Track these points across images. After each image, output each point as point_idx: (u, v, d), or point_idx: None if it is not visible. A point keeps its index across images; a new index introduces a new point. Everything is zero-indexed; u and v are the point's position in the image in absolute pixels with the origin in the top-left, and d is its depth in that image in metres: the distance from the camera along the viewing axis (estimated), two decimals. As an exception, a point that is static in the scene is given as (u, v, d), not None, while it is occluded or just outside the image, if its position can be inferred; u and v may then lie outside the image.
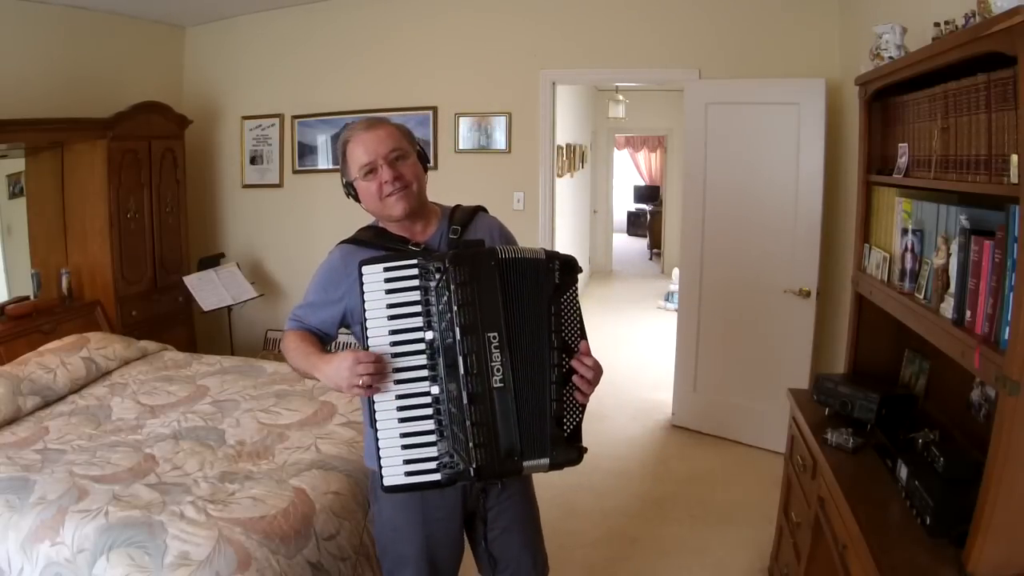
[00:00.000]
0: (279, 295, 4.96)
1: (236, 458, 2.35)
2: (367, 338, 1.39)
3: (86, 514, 1.96)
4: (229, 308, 4.44)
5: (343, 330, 1.65)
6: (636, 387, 4.80)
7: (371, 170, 1.51)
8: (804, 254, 3.53)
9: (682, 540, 2.90)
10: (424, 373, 1.37)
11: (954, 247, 1.57)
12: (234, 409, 2.78)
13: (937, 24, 1.75)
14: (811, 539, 2.05)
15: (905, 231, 1.89)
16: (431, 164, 1.63)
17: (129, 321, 4.00)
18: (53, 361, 3.05)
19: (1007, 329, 1.31)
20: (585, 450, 1.43)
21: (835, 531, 1.80)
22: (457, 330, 1.35)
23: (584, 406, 1.43)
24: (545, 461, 1.39)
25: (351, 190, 1.58)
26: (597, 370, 1.43)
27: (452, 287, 1.35)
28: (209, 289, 4.37)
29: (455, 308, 1.35)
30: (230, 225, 5.06)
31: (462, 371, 1.35)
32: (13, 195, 3.71)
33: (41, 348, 3.22)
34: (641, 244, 11.58)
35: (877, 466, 1.86)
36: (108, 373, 3.23)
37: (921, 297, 1.79)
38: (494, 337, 1.36)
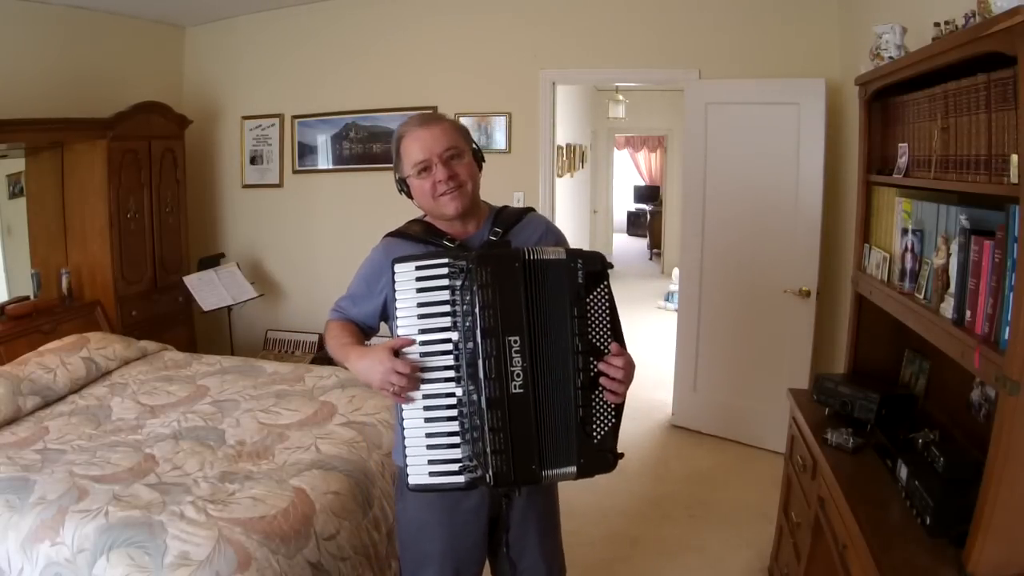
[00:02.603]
0: (279, 295, 4.96)
1: (236, 458, 2.35)
2: (397, 335, 1.39)
3: (86, 514, 1.95)
4: (229, 308, 4.44)
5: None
6: (636, 387, 4.67)
7: (425, 168, 1.50)
8: (804, 254, 3.53)
9: (682, 540, 2.90)
10: (450, 374, 1.36)
11: (954, 247, 1.57)
12: (234, 409, 2.78)
13: (937, 24, 1.75)
14: (811, 539, 2.05)
15: (905, 231, 1.89)
16: (485, 162, 1.63)
17: (129, 321, 4.00)
18: (53, 361, 3.05)
19: (1007, 329, 1.31)
20: (620, 455, 1.39)
21: (835, 531, 1.80)
22: (478, 332, 1.33)
23: (619, 408, 1.40)
24: (571, 470, 1.36)
25: (404, 186, 1.57)
26: (628, 369, 1.39)
27: (475, 288, 1.33)
28: (209, 289, 4.37)
29: (476, 310, 1.33)
30: (230, 225, 5.06)
31: (481, 375, 1.33)
32: (13, 195, 3.71)
33: (41, 348, 3.22)
34: (641, 244, 11.58)
35: (877, 466, 1.86)
36: (108, 373, 3.23)
37: (921, 297, 1.79)
38: (515, 341, 1.33)
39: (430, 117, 1.55)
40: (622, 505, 3.19)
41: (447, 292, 1.35)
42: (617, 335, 1.41)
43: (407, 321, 1.37)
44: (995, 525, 1.33)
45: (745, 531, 2.92)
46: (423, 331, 1.36)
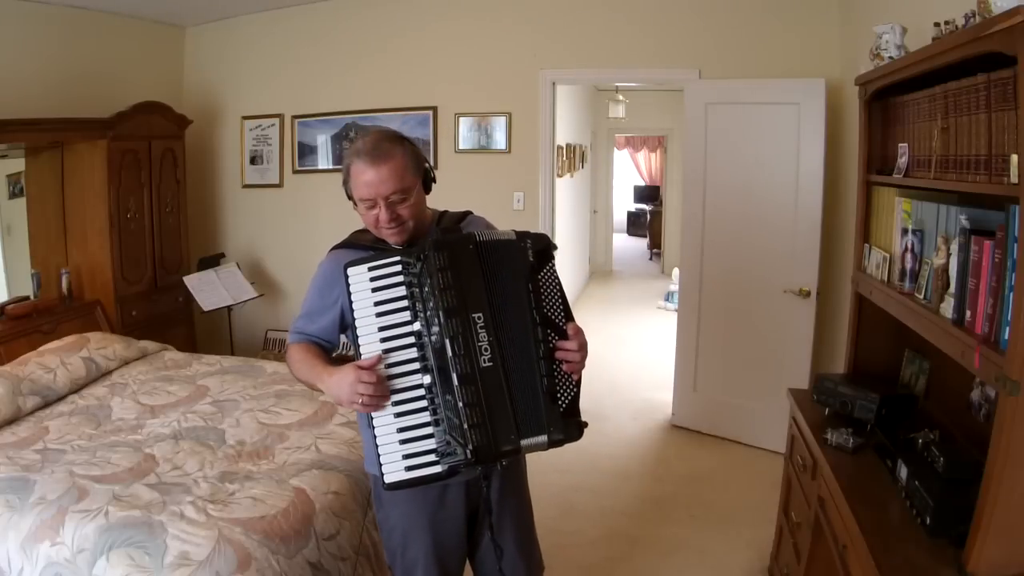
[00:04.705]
0: (279, 295, 4.96)
1: (236, 458, 2.35)
2: (357, 338, 1.40)
3: (86, 514, 1.96)
4: (229, 308, 4.44)
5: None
6: (636, 387, 4.80)
7: (371, 206, 1.51)
8: (804, 254, 3.53)
9: (682, 540, 2.90)
10: (416, 366, 1.38)
11: (954, 247, 1.57)
12: (234, 409, 2.78)
13: (937, 24, 1.75)
14: (811, 539, 2.05)
15: (905, 231, 1.89)
16: (436, 182, 1.64)
17: (129, 321, 4.00)
18: (53, 361, 3.05)
19: (1007, 329, 1.31)
20: (585, 425, 1.42)
21: (835, 531, 1.80)
22: (441, 314, 1.36)
23: (578, 381, 1.44)
24: (543, 438, 1.38)
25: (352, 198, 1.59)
26: (582, 350, 1.43)
27: (434, 273, 1.37)
28: (209, 289, 4.37)
29: (438, 292, 1.36)
30: (230, 225, 5.06)
31: (450, 353, 1.36)
32: (13, 195, 3.71)
33: (41, 348, 3.22)
34: (641, 244, 11.58)
35: (877, 466, 1.86)
36: (108, 373, 3.23)
37: (921, 297, 1.79)
38: (479, 318, 1.37)
39: (380, 153, 1.47)
40: (622, 505, 3.19)
41: (403, 288, 1.39)
42: (567, 311, 1.46)
43: (366, 322, 1.39)
44: (995, 525, 1.33)
45: (745, 531, 2.92)
46: (383, 328, 1.39)
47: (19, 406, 2.74)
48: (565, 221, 6.46)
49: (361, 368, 1.37)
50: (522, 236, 1.45)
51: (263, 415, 2.71)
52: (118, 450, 2.39)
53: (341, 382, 1.38)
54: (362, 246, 1.57)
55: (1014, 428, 1.29)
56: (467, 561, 1.74)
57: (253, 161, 4.91)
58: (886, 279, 2.06)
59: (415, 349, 1.38)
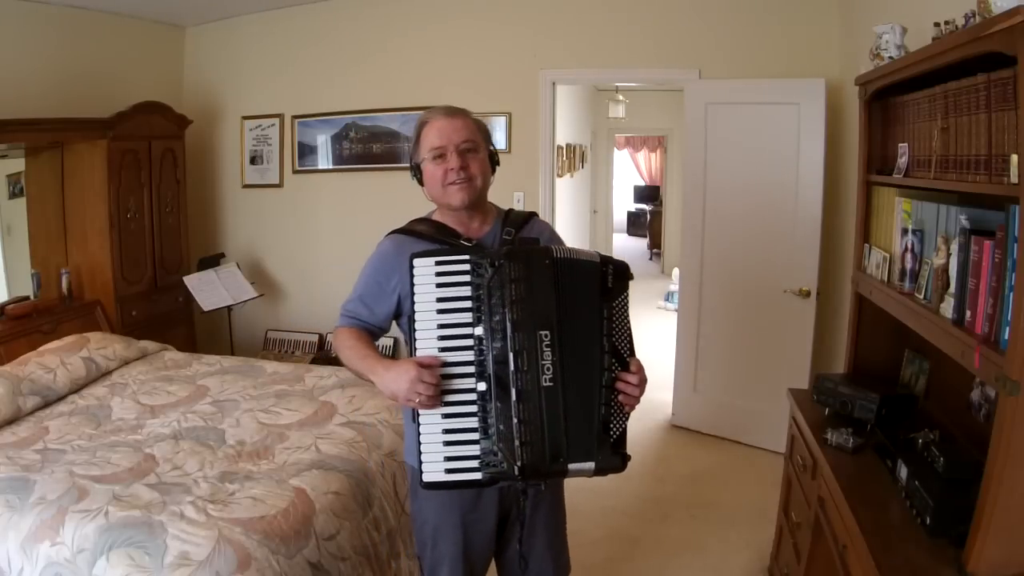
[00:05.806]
0: (279, 295, 4.96)
1: (236, 458, 2.35)
2: (415, 331, 1.38)
3: (86, 514, 1.95)
4: (229, 308, 4.44)
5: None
6: (636, 387, 4.79)
7: (440, 155, 1.52)
8: (804, 254, 3.53)
9: (682, 540, 2.90)
10: (471, 369, 1.36)
11: (954, 247, 1.57)
12: (234, 409, 2.78)
13: (937, 24, 1.75)
14: (811, 539, 2.05)
15: (905, 231, 1.89)
16: (499, 166, 1.68)
17: (129, 321, 4.00)
18: (53, 361, 3.05)
19: (1007, 329, 1.31)
20: (629, 457, 1.40)
21: (835, 531, 1.80)
22: (509, 326, 1.33)
23: (628, 413, 1.43)
24: (590, 465, 1.37)
25: (417, 172, 1.59)
26: (641, 386, 1.42)
27: (506, 283, 1.34)
28: (209, 289, 4.37)
29: (508, 304, 1.33)
30: (230, 225, 5.06)
31: (512, 368, 1.33)
32: (13, 195, 3.71)
33: (41, 348, 3.22)
34: (641, 244, 11.58)
35: (877, 466, 1.86)
36: (108, 373, 3.23)
37: (921, 297, 1.79)
38: (546, 335, 1.34)
39: (456, 109, 1.58)
40: (623, 505, 3.19)
41: (468, 288, 1.35)
42: (631, 345, 1.44)
43: (425, 316, 1.37)
44: (995, 525, 1.33)
45: (745, 531, 2.92)
46: (442, 326, 1.36)
47: (19, 406, 2.74)
48: (565, 221, 6.45)
49: (423, 367, 1.33)
50: (605, 261, 1.42)
51: (263, 415, 2.71)
52: (118, 450, 2.39)
53: (400, 378, 1.34)
54: (429, 237, 1.55)
55: (1014, 428, 1.29)
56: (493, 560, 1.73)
57: (253, 161, 4.91)
58: (886, 279, 2.06)
59: (473, 353, 1.35)
